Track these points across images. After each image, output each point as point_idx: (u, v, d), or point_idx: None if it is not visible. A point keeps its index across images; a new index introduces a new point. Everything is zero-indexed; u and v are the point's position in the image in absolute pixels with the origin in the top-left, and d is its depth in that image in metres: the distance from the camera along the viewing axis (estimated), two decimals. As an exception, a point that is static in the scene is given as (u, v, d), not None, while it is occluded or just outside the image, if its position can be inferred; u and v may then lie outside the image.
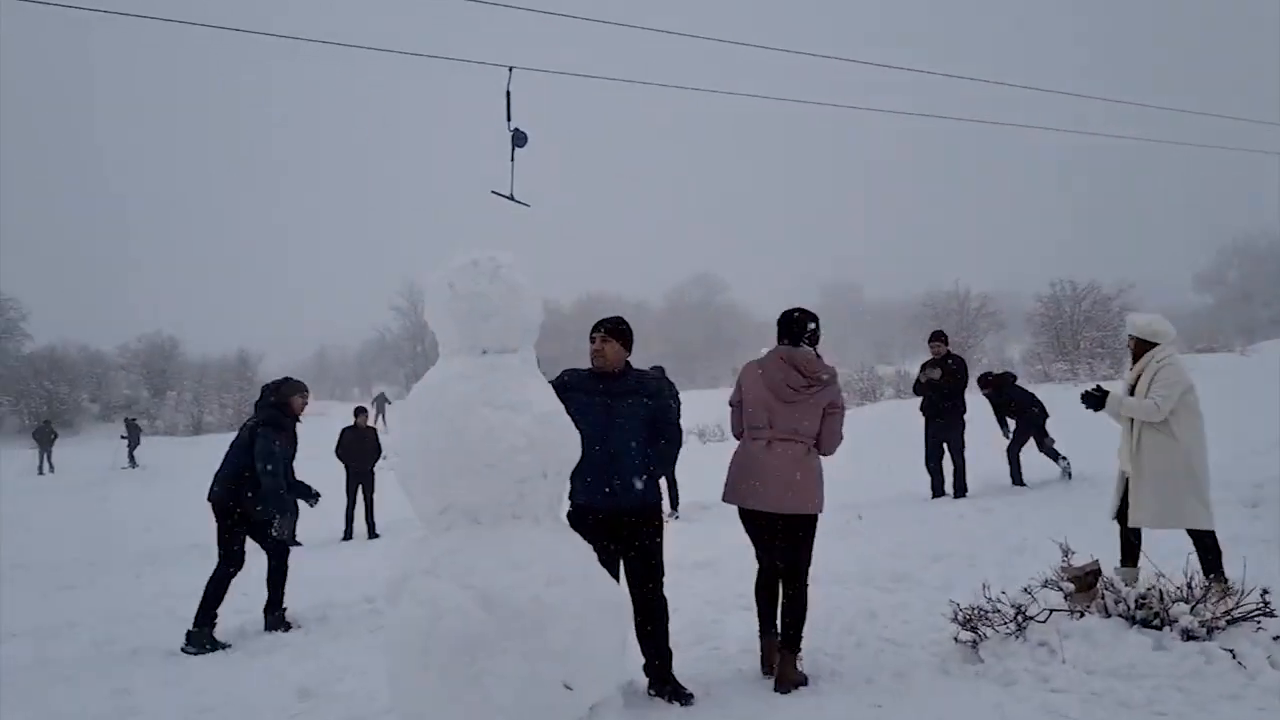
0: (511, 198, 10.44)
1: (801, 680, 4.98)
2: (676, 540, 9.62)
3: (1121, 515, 6.05)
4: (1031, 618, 4.92)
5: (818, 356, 5.13)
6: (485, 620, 3.83)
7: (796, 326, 5.11)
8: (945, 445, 11.08)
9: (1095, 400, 6.15)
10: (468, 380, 4.16)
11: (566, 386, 4.89)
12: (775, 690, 4.91)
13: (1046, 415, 11.55)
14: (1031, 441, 11.49)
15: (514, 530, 4.11)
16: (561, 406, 4.31)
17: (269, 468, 7.08)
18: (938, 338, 11.33)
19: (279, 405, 7.38)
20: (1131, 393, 6.06)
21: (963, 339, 38.49)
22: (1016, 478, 11.40)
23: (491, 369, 4.21)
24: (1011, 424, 11.57)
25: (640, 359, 5.99)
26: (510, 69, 9.18)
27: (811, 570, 7.01)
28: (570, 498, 4.90)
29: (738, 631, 5.94)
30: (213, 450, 20.22)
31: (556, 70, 11.50)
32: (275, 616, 7.29)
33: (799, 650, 5.05)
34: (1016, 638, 4.89)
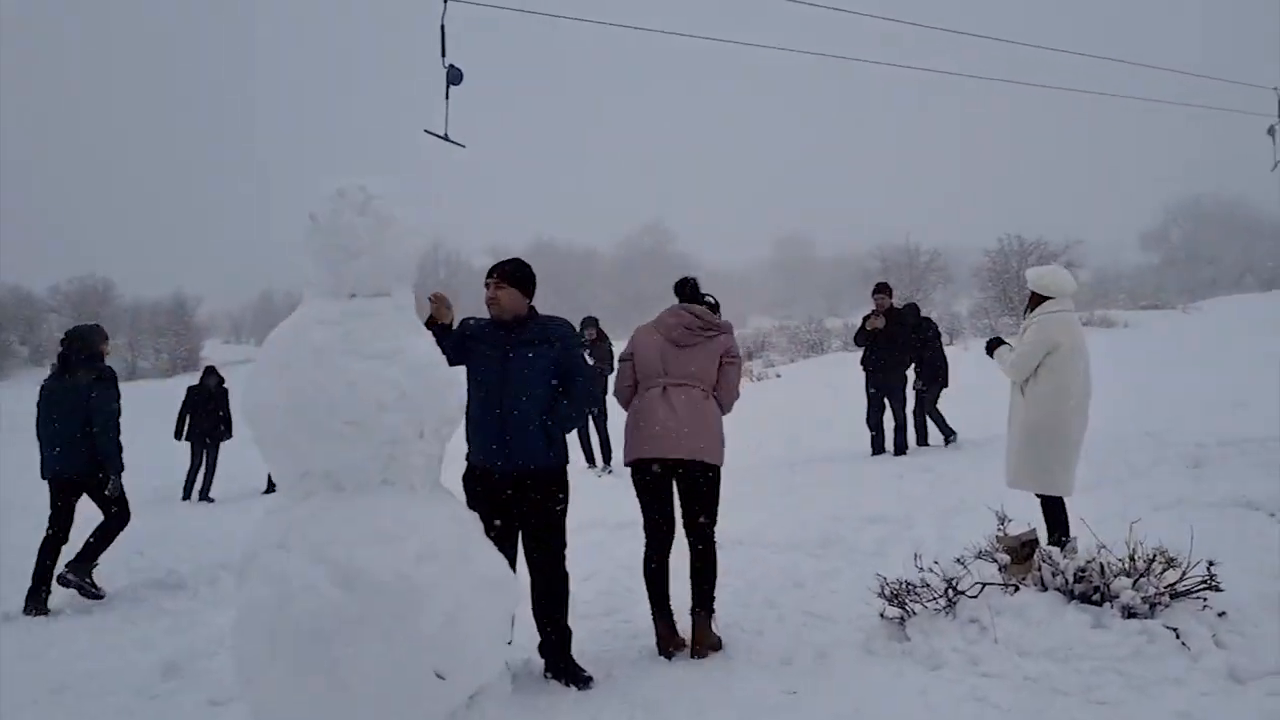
0: (445, 137, 9.94)
1: (716, 644, 4.70)
2: (605, 497, 9.24)
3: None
4: (962, 592, 4.54)
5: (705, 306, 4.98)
6: (343, 601, 3.34)
7: (691, 288, 5.01)
8: (886, 401, 10.73)
9: (990, 346, 6.04)
10: (328, 326, 3.62)
11: (466, 336, 4.40)
12: (692, 656, 4.60)
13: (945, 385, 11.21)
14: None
15: (382, 498, 3.60)
16: (441, 357, 3.81)
17: (115, 423, 6.56)
18: (881, 289, 10.92)
19: (98, 355, 6.77)
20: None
21: (912, 293, 38.36)
22: (947, 432, 11.08)
23: (359, 314, 3.67)
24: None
25: (590, 308, 5.60)
26: (445, 1, 8.74)
27: (740, 534, 6.67)
28: (466, 457, 4.42)
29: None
30: (147, 397, 19.69)
31: (494, 4, 10.86)
32: (77, 574, 6.50)
33: (712, 610, 4.74)
34: (946, 614, 4.51)
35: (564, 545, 4.52)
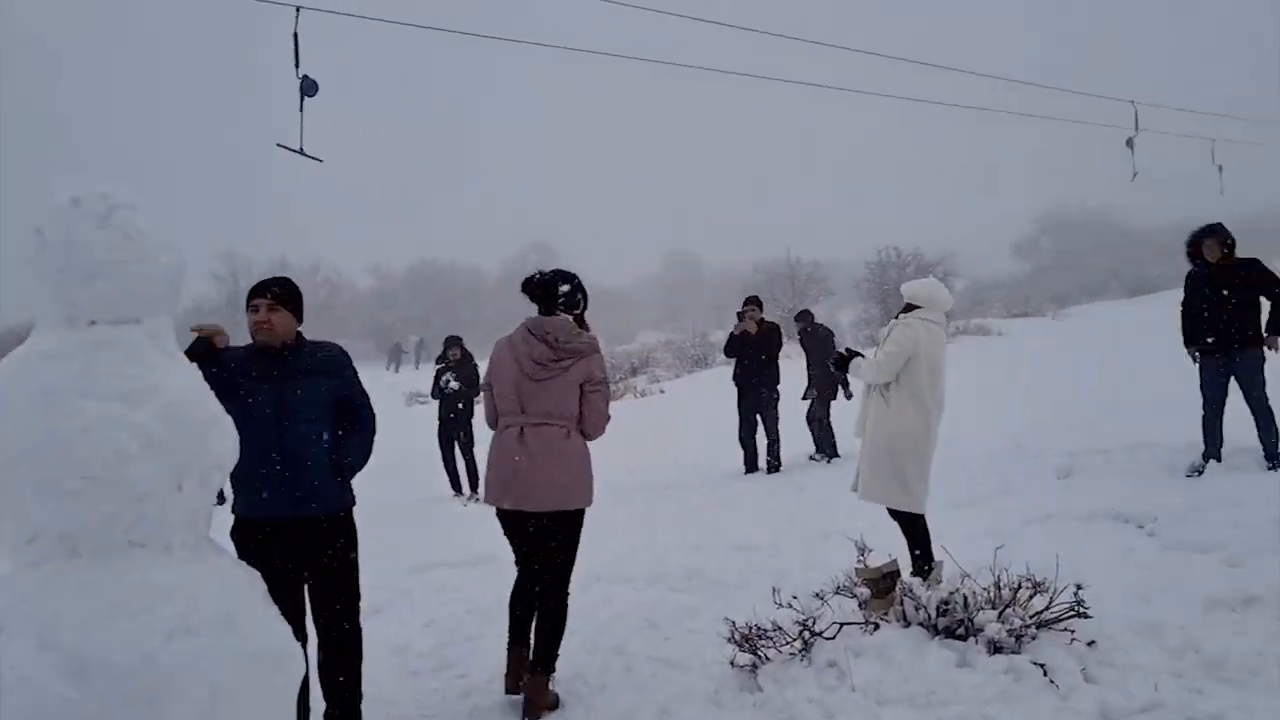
0: (301, 151, 9.40)
1: (553, 703, 4.24)
2: (458, 530, 8.69)
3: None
4: (819, 634, 4.15)
5: (579, 324, 4.43)
6: (72, 696, 2.73)
7: (544, 291, 4.42)
8: (759, 417, 10.43)
9: (841, 361, 5.74)
10: (60, 361, 3.01)
11: (224, 370, 3.81)
12: (524, 718, 4.15)
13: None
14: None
15: (128, 564, 2.98)
16: (205, 394, 3.24)
17: None
18: (751, 302, 10.63)
19: None
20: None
21: (795, 305, 38.60)
22: (830, 447, 10.89)
23: (98, 346, 3.07)
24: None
25: (476, 327, 5.09)
26: (298, 9, 8.21)
27: (599, 567, 6.18)
28: (232, 509, 3.84)
29: (495, 651, 5.01)
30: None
31: (348, 12, 10.25)
32: None
33: (552, 670, 4.29)
34: (802, 659, 4.11)
35: (357, 599, 3.98)
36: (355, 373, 4.09)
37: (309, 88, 8.93)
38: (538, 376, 4.25)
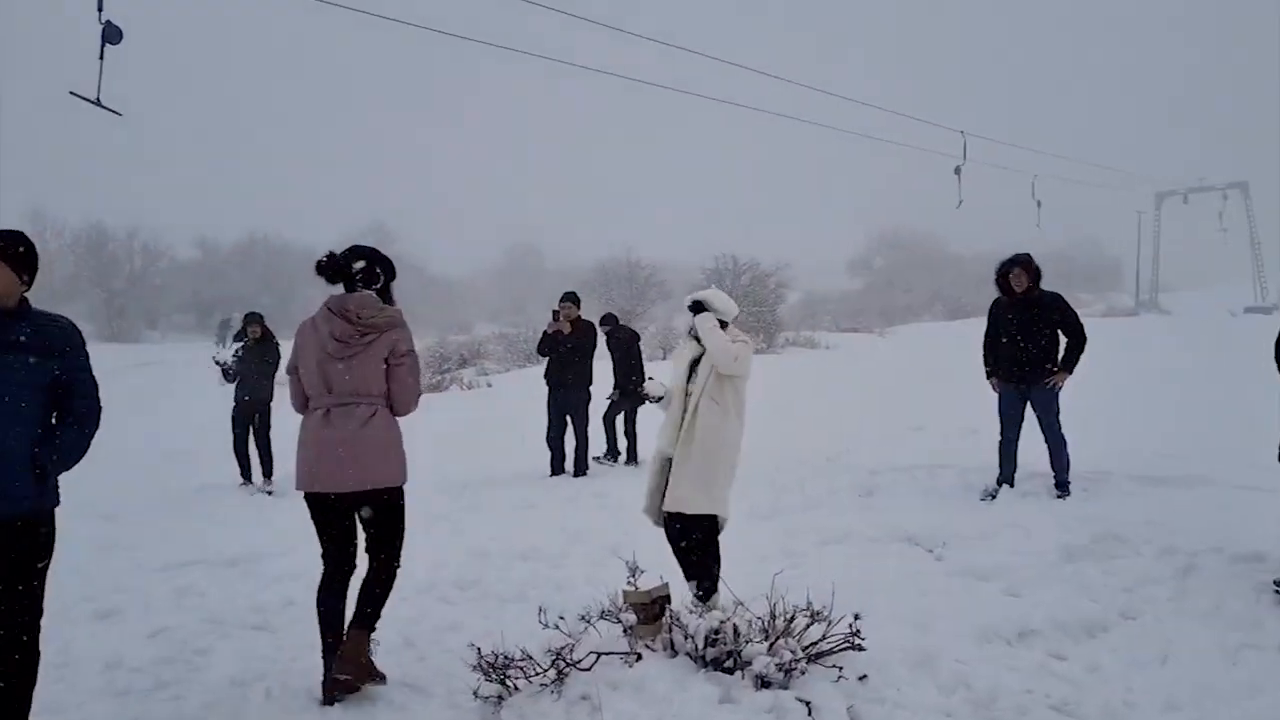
0: (98, 103, 8.59)
1: (371, 670, 4.06)
2: (235, 521, 7.99)
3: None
4: (574, 664, 3.77)
5: (384, 299, 4.27)
6: None
7: (337, 270, 4.19)
8: (569, 418, 10.04)
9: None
10: None
11: None
12: (336, 676, 3.94)
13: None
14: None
15: None
16: None
17: None
18: (568, 298, 10.20)
19: None
20: (691, 371, 5.11)
21: (632, 307, 38.58)
22: (631, 452, 10.66)
23: None
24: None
25: (309, 308, 4.61)
26: None
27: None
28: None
29: (223, 669, 4.44)
30: None
31: None
32: None
33: (374, 628, 4.13)
34: (553, 692, 3.72)
35: (40, 616, 3.37)
36: (85, 355, 3.51)
37: (112, 34, 8.32)
38: (340, 355, 4.06)
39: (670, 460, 4.93)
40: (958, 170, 19.21)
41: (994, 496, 7.59)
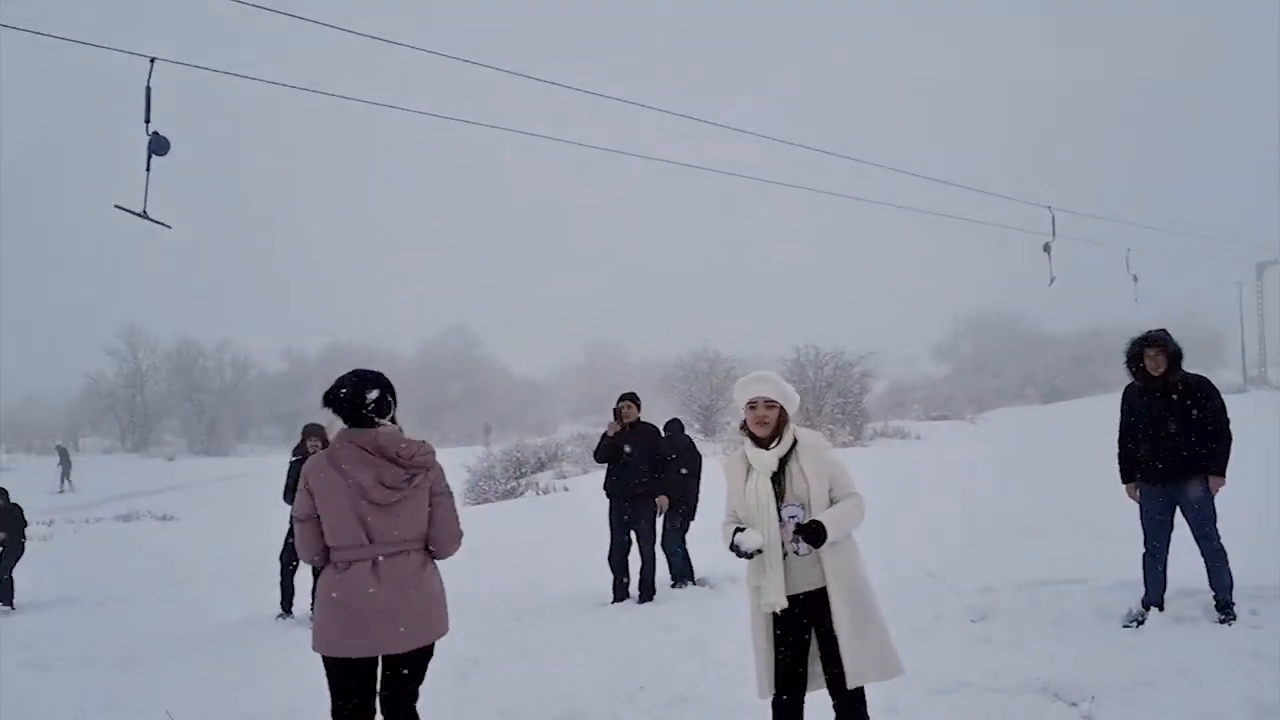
0: (145, 215, 8.09)
1: None
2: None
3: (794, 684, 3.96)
4: None
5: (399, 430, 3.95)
6: None
7: (350, 402, 3.84)
8: (634, 534, 8.93)
9: (813, 535, 3.80)
10: None
11: None
12: None
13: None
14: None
15: None
16: None
17: None
18: (628, 399, 9.16)
19: None
20: (777, 483, 3.94)
21: (712, 402, 37.47)
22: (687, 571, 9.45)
23: None
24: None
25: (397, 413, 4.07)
26: (151, 61, 7.18)
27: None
28: None
29: None
30: None
31: (205, 66, 8.93)
32: None
33: None
34: None
35: None
36: None
37: (158, 146, 7.79)
38: (386, 501, 3.74)
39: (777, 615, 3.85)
40: (1047, 247, 18.03)
41: (1141, 623, 6.25)
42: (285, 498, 9.69)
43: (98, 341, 64.59)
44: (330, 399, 3.84)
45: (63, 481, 37.00)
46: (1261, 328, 64.01)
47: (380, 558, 3.72)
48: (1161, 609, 6.33)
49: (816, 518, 3.81)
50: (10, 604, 11.79)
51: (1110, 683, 5.01)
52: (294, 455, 10.02)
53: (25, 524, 12.31)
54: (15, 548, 11.93)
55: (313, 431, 9.81)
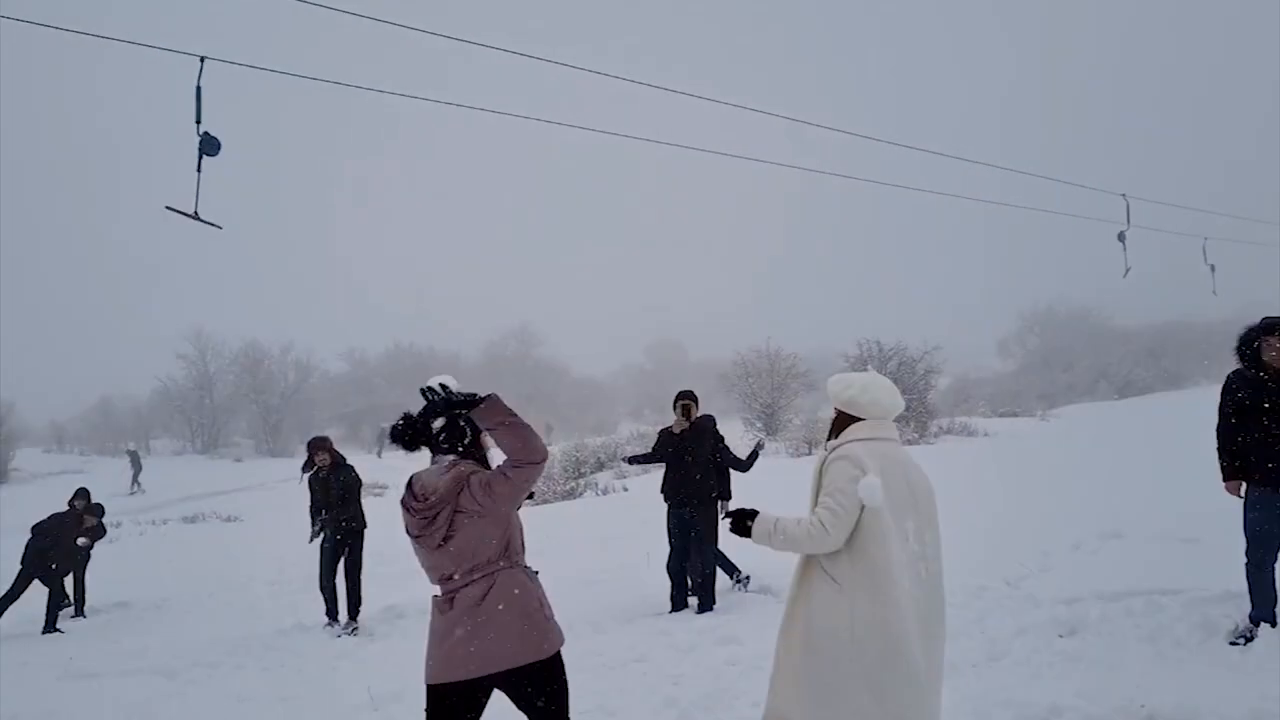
0: (196, 216, 7.95)
1: None
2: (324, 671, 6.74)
3: None
4: None
5: (474, 455, 3.70)
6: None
7: (419, 438, 3.69)
8: (693, 538, 8.52)
9: (739, 525, 3.81)
10: None
11: None
12: None
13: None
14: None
15: None
16: None
17: None
18: (685, 397, 8.75)
19: None
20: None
21: (774, 399, 36.89)
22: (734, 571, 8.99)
23: None
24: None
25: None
26: (202, 60, 7.02)
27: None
28: None
29: None
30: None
31: (250, 64, 8.74)
32: None
33: None
34: None
35: None
36: None
37: (209, 146, 7.65)
38: (426, 545, 3.57)
39: None
40: (1122, 236, 17.28)
41: (1249, 639, 5.69)
42: (313, 512, 9.44)
43: (167, 345, 65.58)
44: (397, 437, 3.66)
45: (133, 484, 37.61)
46: (1348, 319, 61.39)
47: (445, 599, 3.58)
48: (1274, 625, 5.76)
49: (758, 509, 3.76)
50: (82, 612, 11.80)
51: (1221, 711, 4.49)
52: (303, 470, 9.76)
53: (104, 531, 12.35)
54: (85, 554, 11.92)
55: (319, 445, 9.54)
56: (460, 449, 3.65)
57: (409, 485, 3.66)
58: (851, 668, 3.46)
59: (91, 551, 11.98)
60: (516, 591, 3.54)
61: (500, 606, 3.49)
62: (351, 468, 9.54)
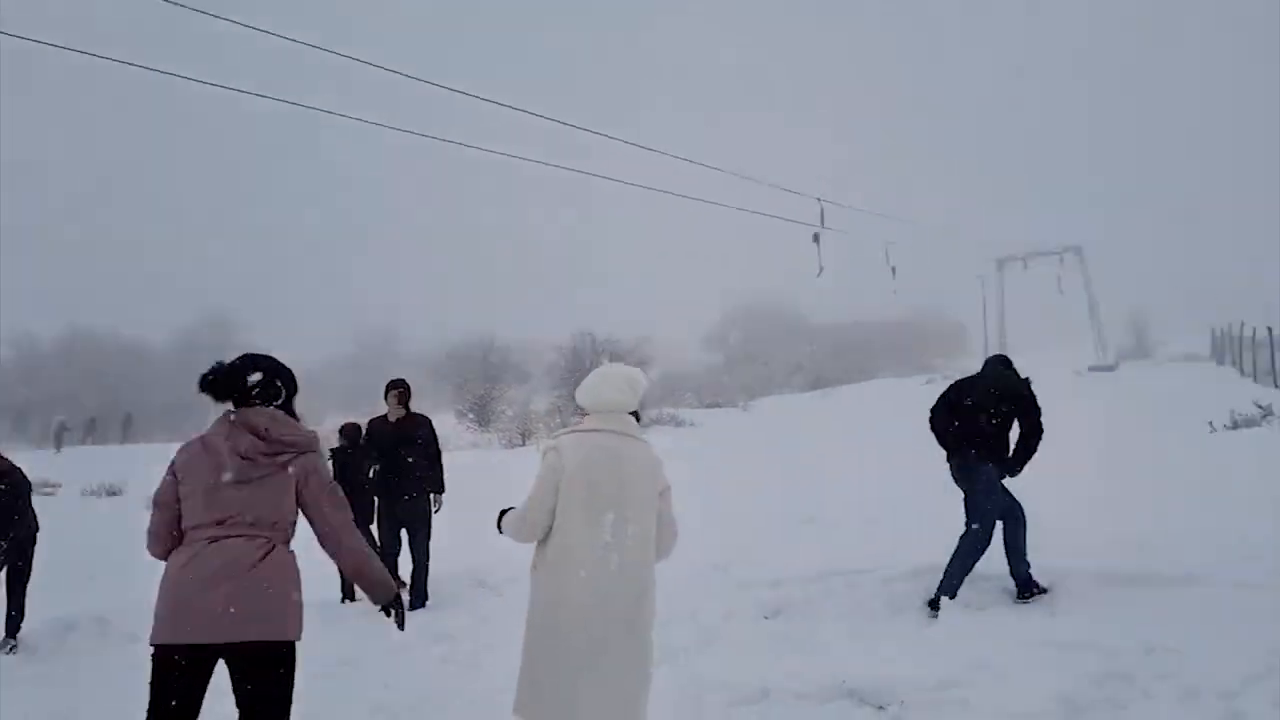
0: None
1: None
2: None
3: None
4: None
5: (293, 418, 3.68)
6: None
7: (228, 385, 3.59)
8: (406, 531, 8.15)
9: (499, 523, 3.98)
10: None
11: None
12: None
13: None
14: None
15: None
16: None
17: None
18: (395, 386, 8.36)
19: None
20: None
21: (487, 390, 36.61)
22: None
23: None
24: None
25: (141, 409, 3.28)
26: None
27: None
28: None
29: None
30: None
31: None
32: None
33: None
34: None
35: None
36: None
37: None
38: (243, 475, 3.45)
39: None
40: (816, 238, 18.40)
41: (934, 608, 6.11)
42: None
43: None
44: (205, 383, 3.54)
45: None
46: (1001, 319, 69.37)
47: (218, 537, 3.38)
48: (953, 598, 6.21)
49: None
50: None
51: (914, 681, 4.76)
52: None
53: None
54: None
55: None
56: (275, 405, 3.63)
57: (229, 419, 3.53)
58: (528, 642, 3.71)
59: None
60: (287, 566, 3.47)
61: (269, 575, 3.38)
62: (18, 469, 8.40)
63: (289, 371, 3.72)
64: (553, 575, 3.68)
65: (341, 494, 3.63)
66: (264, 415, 3.55)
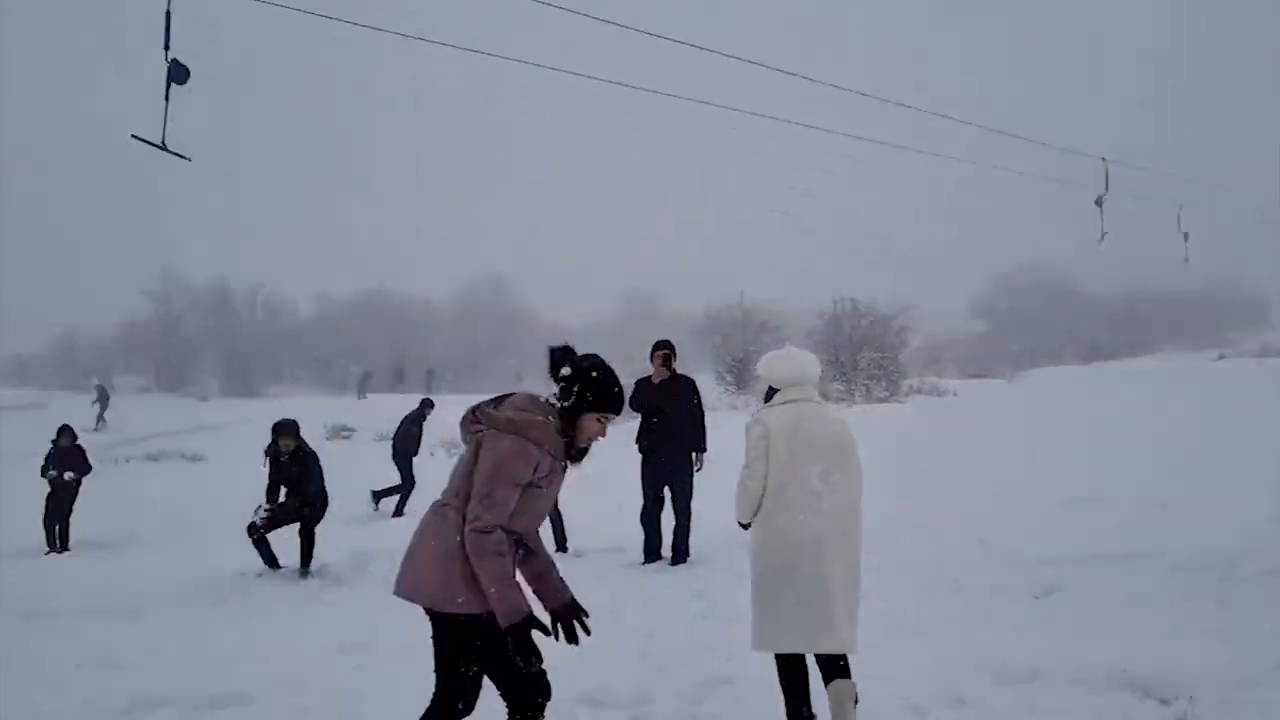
0: (163, 147, 7.69)
1: None
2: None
3: None
4: None
5: (566, 423, 3.45)
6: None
7: (555, 365, 3.56)
8: (669, 490, 8.38)
9: None
10: None
11: None
12: None
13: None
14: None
15: None
16: None
17: None
18: (663, 346, 8.55)
19: None
20: None
21: (746, 353, 36.78)
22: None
23: None
24: None
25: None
26: None
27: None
28: None
29: None
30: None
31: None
32: None
33: None
34: None
35: None
36: None
37: (178, 74, 7.36)
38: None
39: None
40: (1099, 201, 17.19)
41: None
42: (269, 494, 9.24)
43: (130, 281, 64.37)
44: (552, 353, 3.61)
45: (98, 420, 36.94)
46: (1315, 293, 62.21)
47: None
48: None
49: None
50: (66, 547, 11.92)
51: (1208, 676, 4.41)
52: (265, 452, 9.52)
53: (90, 466, 12.68)
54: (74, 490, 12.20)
55: (284, 430, 9.23)
56: (562, 404, 3.46)
57: (483, 404, 3.56)
58: (760, 583, 4.24)
59: (79, 488, 12.19)
60: (449, 533, 3.36)
61: (427, 540, 3.41)
62: (312, 453, 9.38)
63: (596, 383, 3.52)
64: (775, 523, 4.19)
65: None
66: (513, 398, 3.59)
